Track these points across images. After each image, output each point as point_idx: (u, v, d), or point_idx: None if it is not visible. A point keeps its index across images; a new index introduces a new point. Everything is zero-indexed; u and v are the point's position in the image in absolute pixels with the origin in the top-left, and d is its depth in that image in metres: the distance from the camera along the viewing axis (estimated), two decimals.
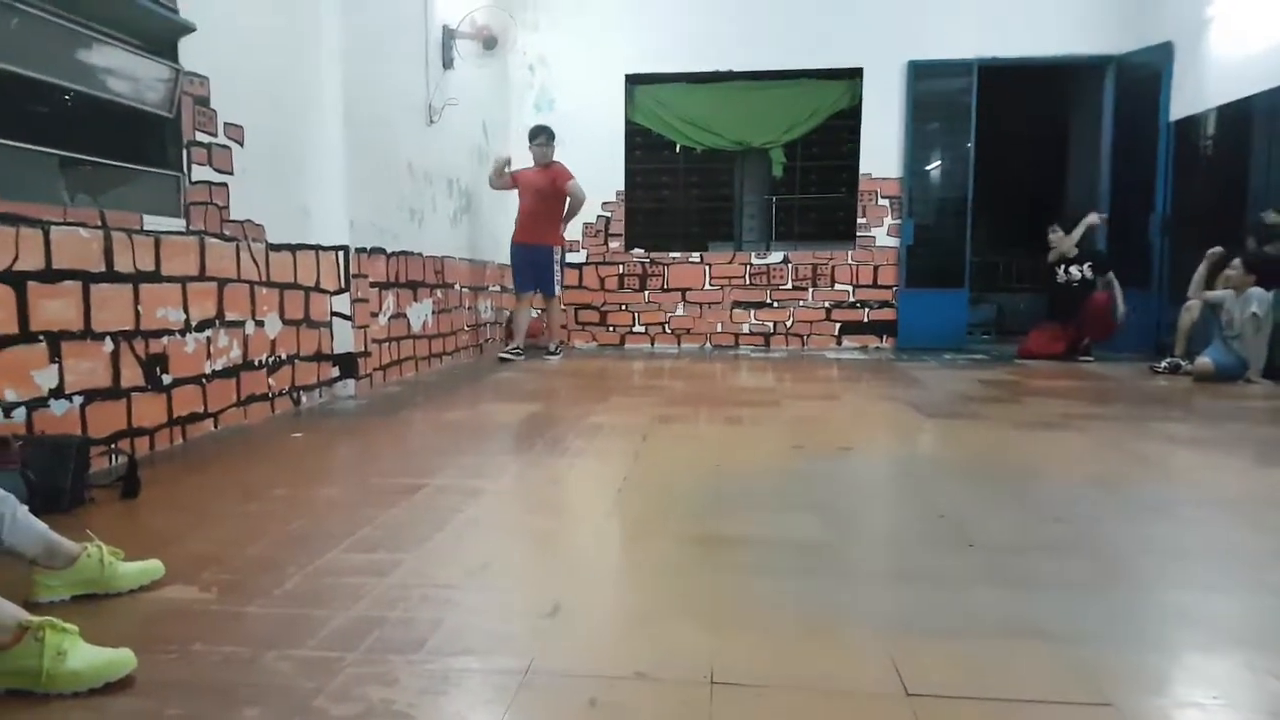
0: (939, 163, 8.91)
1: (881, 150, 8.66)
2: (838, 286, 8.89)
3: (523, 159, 7.74)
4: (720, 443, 4.04)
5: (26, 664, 1.56)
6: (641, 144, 9.17)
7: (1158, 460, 3.72)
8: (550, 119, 8.82)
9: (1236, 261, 6.37)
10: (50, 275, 3.10)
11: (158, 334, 3.68)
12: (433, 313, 6.71)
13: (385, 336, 5.80)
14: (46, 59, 3.20)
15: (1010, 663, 1.71)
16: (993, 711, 1.53)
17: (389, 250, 5.82)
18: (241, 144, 4.33)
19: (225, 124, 4.20)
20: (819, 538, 2.53)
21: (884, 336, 8.86)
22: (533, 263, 7.57)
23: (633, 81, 8.98)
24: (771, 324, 9.00)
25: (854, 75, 8.68)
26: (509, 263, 7.85)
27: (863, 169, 8.74)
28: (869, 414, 4.96)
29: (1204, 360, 6.25)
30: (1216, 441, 4.14)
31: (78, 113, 3.47)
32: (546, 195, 7.56)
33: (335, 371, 5.21)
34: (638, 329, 9.16)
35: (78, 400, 3.23)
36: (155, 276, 3.66)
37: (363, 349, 5.38)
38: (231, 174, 4.25)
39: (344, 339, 5.22)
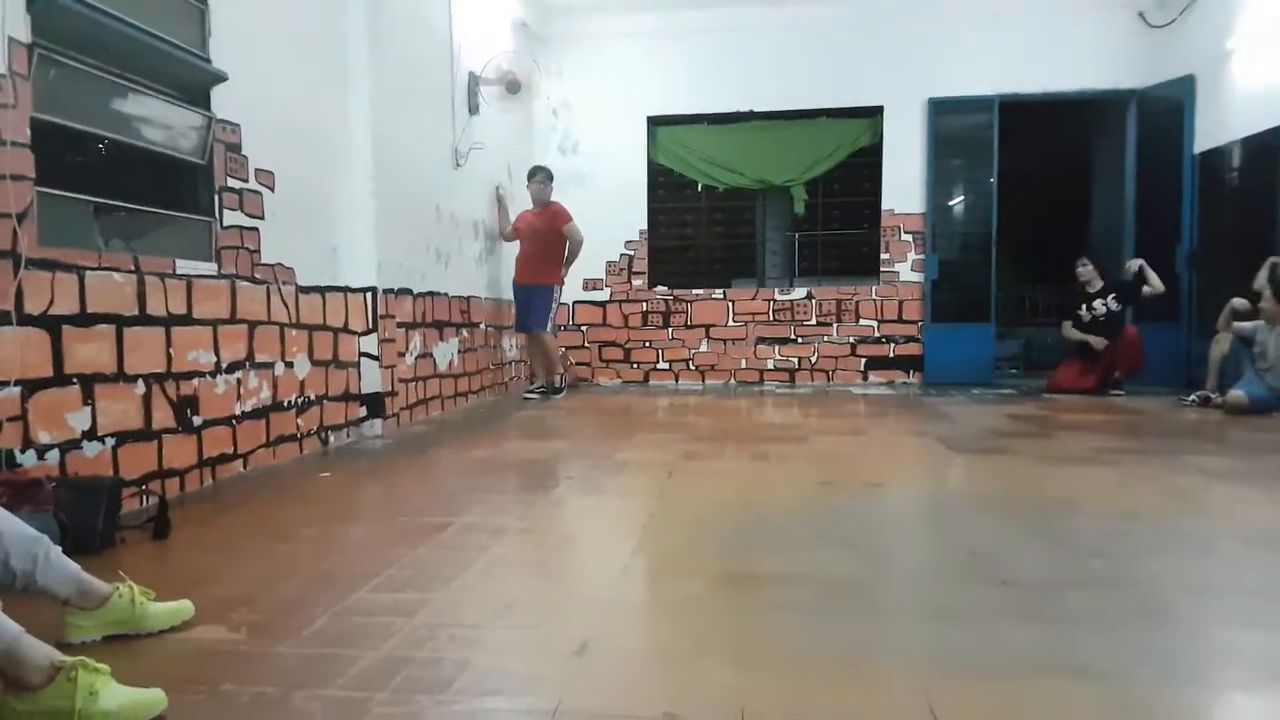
0: (962, 198, 8.90)
1: (904, 186, 8.67)
2: (862, 322, 8.86)
3: (523, 201, 7.82)
4: (747, 479, 4.02)
5: (59, 704, 1.57)
6: (664, 183, 9.23)
7: (1193, 495, 3.66)
8: (574, 161, 8.97)
9: (1268, 293, 6.30)
10: (84, 319, 3.16)
11: (189, 376, 3.73)
12: (458, 352, 6.75)
13: (412, 376, 5.83)
14: (83, 109, 3.28)
15: (1048, 702, 1.68)
16: None
17: (416, 291, 5.87)
18: (272, 189, 4.40)
19: (256, 170, 4.27)
20: (849, 575, 2.51)
21: (910, 371, 8.81)
22: (531, 303, 7.60)
23: (655, 123, 9.06)
24: (796, 360, 8.98)
25: (874, 113, 8.71)
26: None
27: (885, 205, 8.75)
28: (897, 449, 4.93)
29: (1237, 393, 6.17)
30: (1253, 475, 4.08)
31: (113, 160, 3.55)
32: (545, 236, 7.56)
33: (363, 411, 5.24)
34: (662, 366, 9.17)
35: (110, 442, 3.27)
36: (187, 319, 3.72)
37: (390, 389, 5.42)
38: (262, 218, 4.32)
39: (371, 379, 5.26)
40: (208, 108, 3.92)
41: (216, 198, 3.99)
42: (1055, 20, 8.30)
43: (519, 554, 2.83)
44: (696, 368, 9.12)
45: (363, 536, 3.10)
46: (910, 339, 8.80)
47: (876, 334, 8.86)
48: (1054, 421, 5.89)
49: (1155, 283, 7.52)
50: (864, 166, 8.86)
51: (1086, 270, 7.84)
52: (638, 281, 9.18)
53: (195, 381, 3.77)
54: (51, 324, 3.01)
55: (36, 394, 2.94)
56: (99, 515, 2.77)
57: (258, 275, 4.26)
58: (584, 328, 9.21)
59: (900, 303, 8.79)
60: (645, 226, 9.16)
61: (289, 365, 4.50)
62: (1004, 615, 2.16)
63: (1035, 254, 10.75)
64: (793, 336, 8.97)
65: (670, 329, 9.14)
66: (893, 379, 8.83)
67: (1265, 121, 6.84)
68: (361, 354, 5.22)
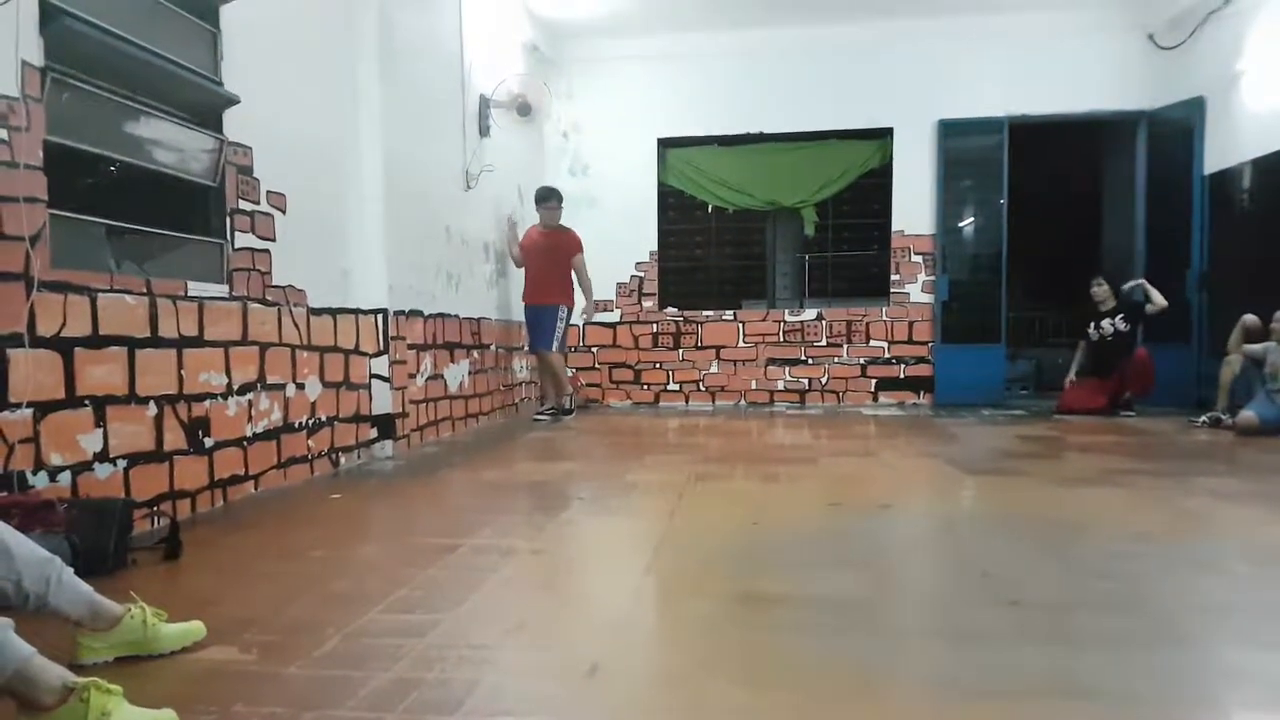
0: (972, 219, 8.90)
1: (913, 207, 8.69)
2: (873, 343, 8.85)
3: (532, 220, 7.84)
4: (757, 500, 4.01)
5: None
6: (674, 205, 9.27)
7: (1204, 516, 3.64)
8: (584, 183, 9.00)
9: (1278, 314, 6.28)
10: (96, 341, 3.18)
11: (200, 398, 3.74)
12: (469, 373, 6.77)
13: (423, 397, 5.85)
14: (96, 132, 3.31)
15: None
16: None
17: (426, 312, 5.90)
18: (284, 211, 4.43)
19: (268, 192, 4.31)
20: (859, 596, 2.50)
21: (921, 392, 8.79)
22: (539, 323, 7.59)
23: (665, 145, 9.11)
24: (806, 381, 8.97)
25: (884, 134, 8.74)
26: None
27: (895, 226, 8.76)
28: (908, 470, 4.91)
29: (1248, 414, 6.14)
30: (1263, 496, 4.05)
31: (125, 183, 3.59)
32: (552, 255, 7.57)
33: (373, 433, 5.25)
34: (672, 387, 9.17)
35: (121, 463, 3.28)
36: (198, 341, 3.74)
37: (401, 410, 5.43)
38: (274, 241, 4.35)
39: (382, 400, 5.28)
40: (220, 130, 3.96)
41: (228, 220, 4.02)
42: (1064, 42, 8.33)
43: (529, 575, 2.83)
44: (707, 389, 9.11)
45: (373, 558, 3.10)
46: (920, 360, 8.79)
47: (887, 355, 8.85)
48: (1064, 443, 5.87)
49: (1158, 299, 7.52)
50: (874, 188, 8.88)
51: (1101, 290, 7.83)
52: (648, 303, 9.20)
53: (207, 403, 3.79)
54: (64, 346, 3.03)
55: (48, 416, 2.96)
56: (111, 537, 2.77)
57: (269, 297, 4.29)
58: (594, 349, 9.22)
59: (910, 324, 8.78)
60: (655, 248, 9.19)
61: (300, 387, 4.52)
62: (1014, 636, 2.15)
63: (1045, 275, 10.73)
64: (803, 358, 8.96)
65: (680, 350, 9.14)
66: (903, 400, 8.81)
67: (1275, 143, 6.84)
68: (372, 376, 5.23)
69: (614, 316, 9.22)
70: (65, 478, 3.01)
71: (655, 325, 9.18)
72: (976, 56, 8.46)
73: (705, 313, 9.12)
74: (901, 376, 8.83)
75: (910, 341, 8.80)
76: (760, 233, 9.36)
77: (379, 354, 5.25)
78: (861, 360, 8.88)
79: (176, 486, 3.58)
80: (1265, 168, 7.02)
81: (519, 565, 2.90)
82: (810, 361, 8.95)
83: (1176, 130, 8.06)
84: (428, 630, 2.22)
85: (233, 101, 3.98)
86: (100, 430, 3.18)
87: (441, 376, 6.21)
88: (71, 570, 1.99)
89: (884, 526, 3.48)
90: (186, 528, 3.24)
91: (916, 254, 8.73)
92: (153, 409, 3.46)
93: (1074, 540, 3.16)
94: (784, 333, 8.98)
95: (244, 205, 4.13)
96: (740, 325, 9.05)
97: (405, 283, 5.51)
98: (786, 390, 9.00)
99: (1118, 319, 7.69)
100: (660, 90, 9.00)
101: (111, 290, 3.26)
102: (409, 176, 5.57)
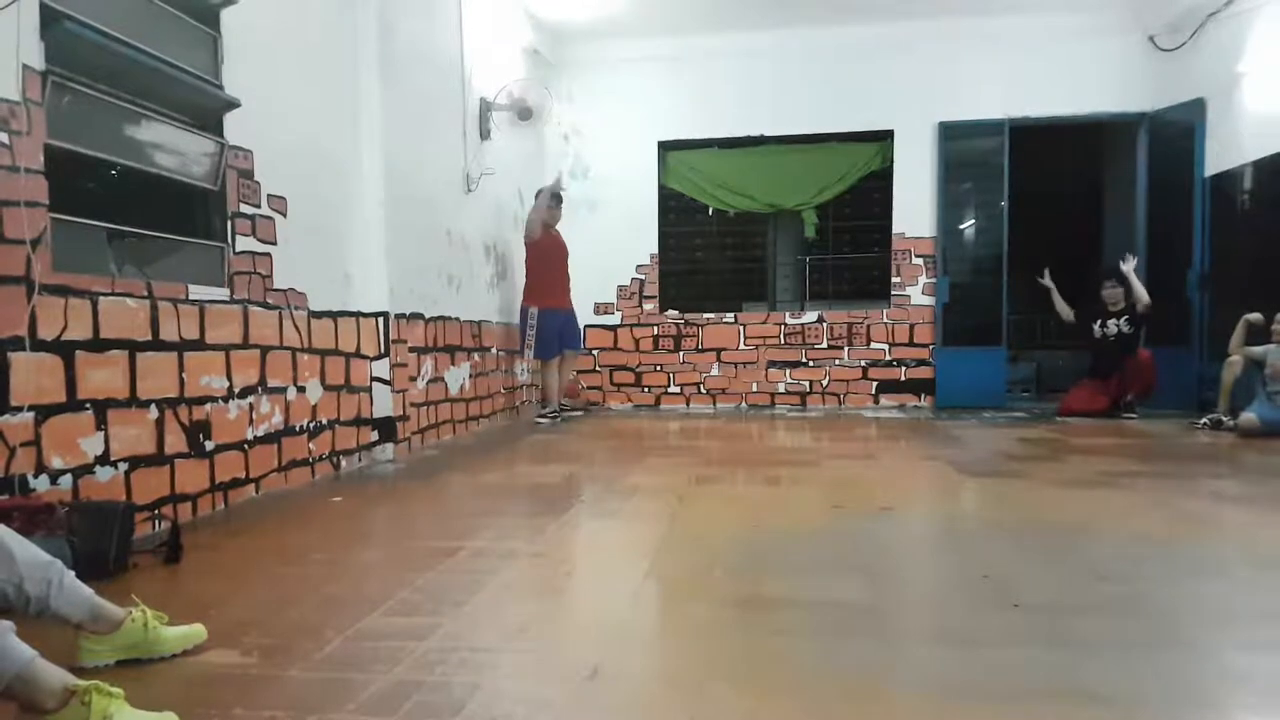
0: (973, 221, 8.90)
1: (914, 210, 8.69)
2: (874, 345, 8.85)
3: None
4: (758, 503, 4.01)
5: None
6: (675, 208, 9.27)
7: (1206, 518, 3.64)
8: (585, 186, 9.02)
9: None
10: (98, 344, 3.18)
11: (201, 401, 3.75)
12: (470, 376, 6.77)
13: (423, 400, 5.85)
14: (97, 136, 3.32)
15: None
16: None
17: (427, 315, 5.90)
18: (284, 214, 4.44)
19: (269, 195, 4.31)
20: (861, 599, 2.50)
21: (922, 395, 8.78)
22: (562, 326, 7.66)
23: (665, 148, 9.11)
24: (807, 383, 8.97)
25: (885, 137, 8.74)
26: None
27: (896, 228, 8.76)
28: (909, 473, 4.91)
29: (1249, 415, 6.14)
30: (1265, 498, 4.05)
31: (126, 186, 3.59)
32: (560, 255, 7.75)
33: (374, 436, 5.26)
34: (673, 389, 9.17)
35: (122, 467, 3.28)
36: (200, 345, 3.74)
37: (401, 413, 5.43)
38: (275, 244, 4.35)
39: (383, 403, 5.28)
40: (220, 134, 3.96)
41: (229, 223, 4.02)
42: (1065, 44, 8.33)
43: (530, 578, 2.83)
44: (708, 391, 9.11)
45: (374, 561, 3.11)
46: (921, 362, 8.78)
47: (888, 357, 8.84)
48: (1066, 445, 5.87)
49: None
50: (875, 190, 8.88)
51: (1114, 292, 7.79)
52: (649, 305, 9.20)
53: (208, 406, 3.79)
54: (65, 349, 3.04)
55: (50, 419, 2.96)
56: (112, 540, 2.77)
57: (270, 300, 4.29)
58: (595, 351, 9.22)
59: (911, 326, 8.78)
60: (656, 250, 9.19)
61: (301, 390, 4.52)
62: (1016, 639, 2.14)
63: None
64: (804, 360, 8.96)
65: (681, 353, 9.15)
66: (904, 402, 8.81)
67: (1276, 144, 6.83)
68: (373, 379, 5.24)
69: (615, 319, 9.22)
70: (66, 481, 3.02)
71: (656, 328, 9.18)
72: (977, 59, 8.46)
73: (706, 315, 9.12)
74: (902, 379, 8.83)
75: (911, 344, 8.80)
76: (761, 235, 9.36)
77: (380, 357, 5.26)
78: (862, 363, 8.88)
79: (178, 490, 3.59)
80: (1266, 169, 7.02)
81: (520, 568, 2.90)
82: (811, 364, 8.95)
83: (1177, 132, 8.06)
84: (429, 633, 2.22)
85: (233, 105, 3.99)
86: (101, 433, 3.18)
87: (442, 379, 6.21)
88: (73, 573, 1.99)
89: (885, 529, 3.47)
90: (187, 531, 3.24)
91: (917, 256, 8.73)
92: (154, 412, 3.46)
93: (1075, 543, 3.16)
94: (785, 335, 8.97)
95: (245, 209, 4.13)
96: (741, 328, 9.05)
97: (406, 286, 5.52)
98: (787, 393, 8.99)
99: (1123, 321, 7.68)
100: (661, 93, 9.01)
101: (113, 294, 3.26)
102: (410, 179, 5.57)
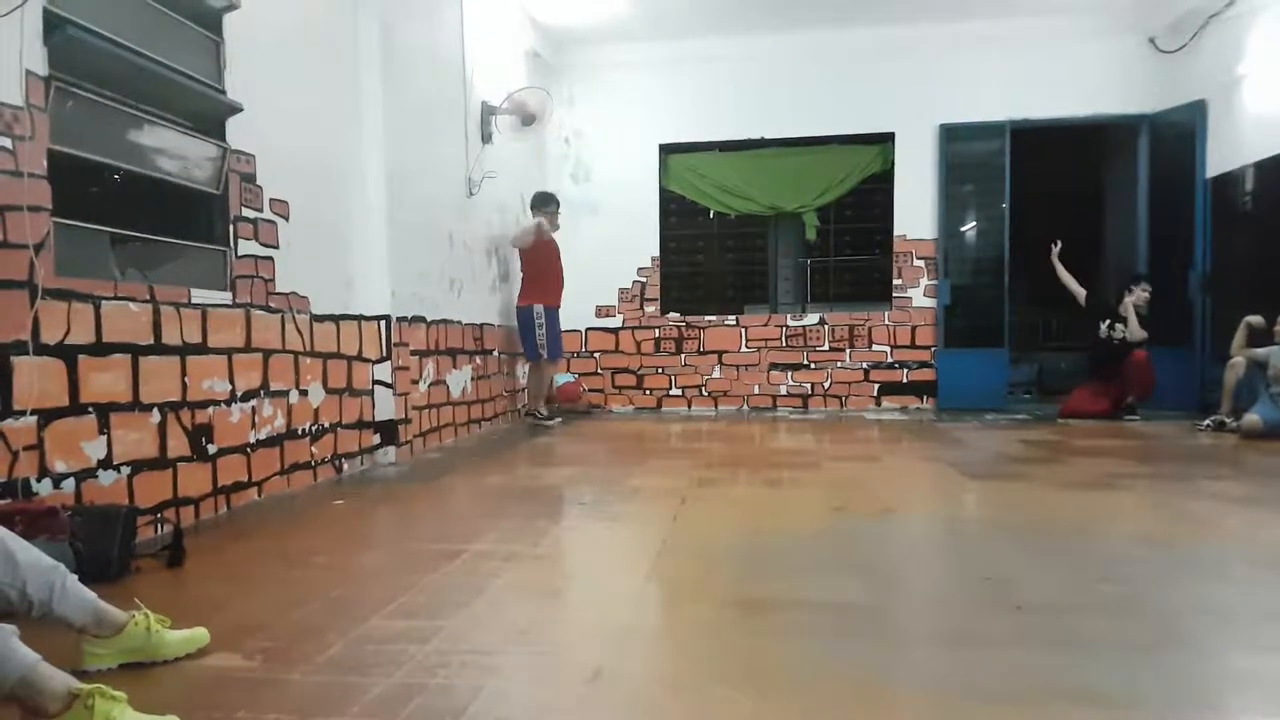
0: (974, 223, 8.89)
1: (915, 212, 8.69)
2: (875, 347, 8.85)
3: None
4: (760, 505, 4.01)
5: None
6: (676, 210, 9.27)
7: (1208, 519, 3.64)
8: (586, 189, 9.03)
9: None
10: (100, 348, 3.19)
11: (204, 405, 3.75)
12: (471, 379, 6.77)
13: (425, 403, 5.85)
14: (100, 140, 3.32)
15: None
16: None
17: (429, 318, 5.91)
18: (287, 218, 4.44)
19: (271, 199, 4.32)
20: (862, 601, 2.50)
21: (924, 397, 8.78)
22: (556, 327, 7.69)
23: (666, 151, 9.11)
24: (809, 385, 8.97)
25: (886, 139, 8.74)
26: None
27: (897, 230, 8.76)
28: (910, 475, 4.91)
29: (1252, 417, 6.13)
30: (1268, 499, 4.05)
31: (129, 191, 3.60)
32: (558, 256, 7.75)
33: (376, 439, 5.26)
34: (674, 392, 9.17)
35: (125, 470, 3.29)
36: (202, 348, 3.75)
37: (403, 416, 5.43)
38: (277, 248, 4.36)
39: (385, 406, 5.28)
40: (223, 138, 3.97)
41: (231, 227, 4.03)
42: (1066, 46, 8.33)
43: (532, 580, 2.83)
44: (709, 394, 9.11)
45: (376, 563, 3.11)
46: (923, 364, 8.78)
47: (889, 360, 8.84)
48: (1067, 447, 5.86)
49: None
50: (876, 192, 8.88)
51: (1142, 296, 7.67)
52: (650, 308, 9.20)
53: (210, 410, 3.80)
54: (68, 353, 3.04)
55: (53, 423, 2.97)
56: (115, 543, 2.78)
57: (272, 304, 4.30)
58: (597, 354, 9.22)
59: (913, 328, 8.78)
60: (657, 253, 9.20)
61: (303, 393, 4.53)
62: (1018, 640, 2.15)
63: (1048, 279, 10.72)
64: (805, 362, 8.96)
65: (683, 355, 9.14)
66: (906, 404, 8.81)
67: (1277, 145, 6.83)
68: (375, 382, 5.24)
69: (616, 322, 9.23)
70: (69, 485, 3.02)
71: (657, 330, 9.18)
72: (978, 61, 8.46)
73: (707, 318, 9.12)
74: (904, 381, 8.82)
75: (913, 346, 8.80)
76: (762, 238, 9.37)
77: (382, 360, 5.26)
78: (864, 365, 8.88)
79: (180, 493, 3.59)
80: (1268, 170, 7.02)
81: (521, 570, 2.90)
82: (813, 366, 8.95)
83: (1178, 133, 8.05)
84: (431, 636, 2.22)
85: (236, 109, 3.99)
86: (104, 437, 3.19)
87: (444, 382, 6.21)
88: (75, 577, 2.00)
89: (887, 531, 3.48)
90: (190, 534, 3.25)
91: (918, 258, 8.73)
92: (156, 416, 3.46)
93: (1077, 544, 3.16)
94: (786, 337, 8.97)
95: (247, 213, 4.14)
96: (743, 330, 9.06)
97: (408, 289, 5.53)
98: (789, 395, 8.99)
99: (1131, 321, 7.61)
100: (662, 96, 9.02)
101: (115, 298, 3.27)
102: (411, 183, 5.58)
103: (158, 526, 3.38)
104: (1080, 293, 7.97)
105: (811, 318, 8.96)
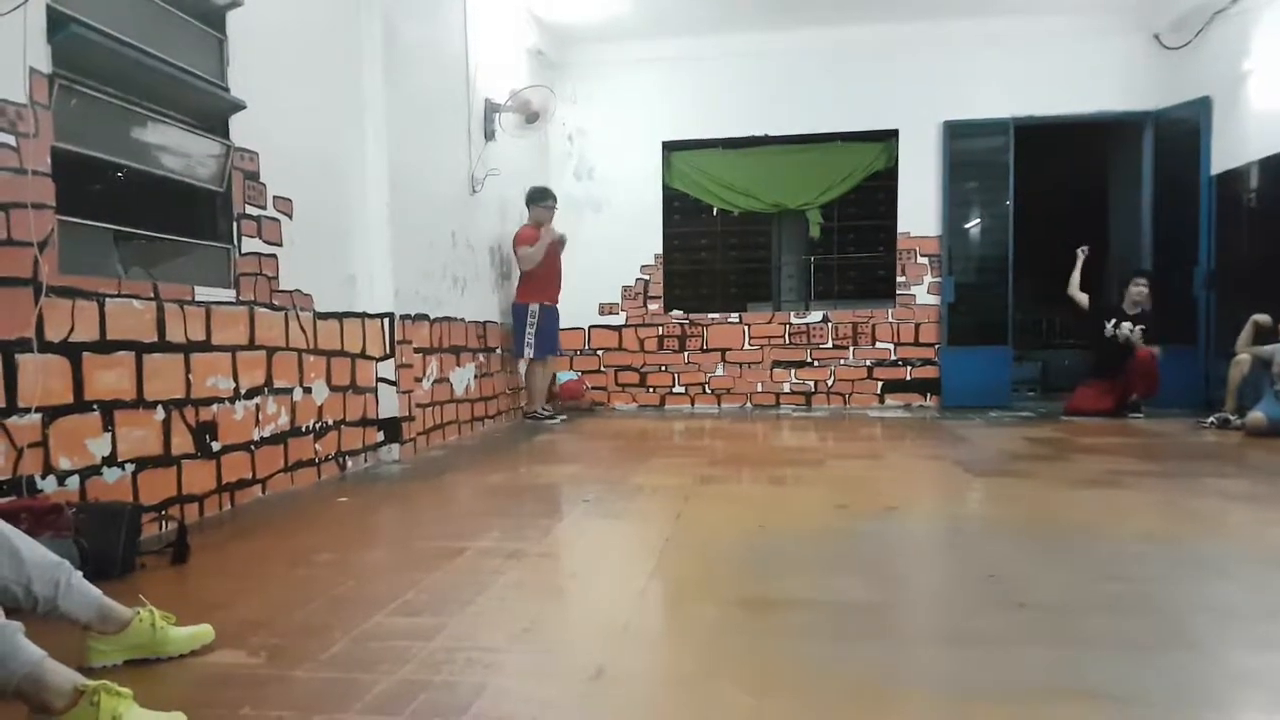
0: (978, 220, 8.88)
1: (919, 209, 8.68)
2: (879, 345, 8.84)
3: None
4: (763, 503, 4.01)
5: None
6: (679, 208, 9.27)
7: (1212, 517, 3.63)
8: (589, 186, 9.03)
9: None
10: (104, 346, 3.19)
11: (208, 402, 3.76)
12: (475, 377, 6.78)
13: (429, 401, 5.86)
14: (104, 138, 3.33)
15: None
16: None
17: (432, 316, 5.91)
18: (290, 216, 4.45)
19: (274, 197, 4.32)
20: (866, 599, 2.50)
21: (928, 394, 8.77)
22: (555, 325, 7.69)
23: (670, 148, 9.11)
24: (812, 383, 8.96)
25: (889, 137, 8.73)
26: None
27: (901, 228, 8.75)
28: (914, 473, 4.91)
29: (1256, 414, 6.12)
30: (1272, 497, 4.04)
31: (133, 188, 3.60)
32: (558, 253, 7.71)
33: (380, 436, 5.27)
34: (678, 390, 9.16)
35: (129, 468, 3.29)
36: (206, 346, 3.75)
37: (407, 414, 5.44)
38: (280, 245, 4.36)
39: (389, 404, 5.29)
40: (226, 136, 3.97)
41: (235, 225, 4.03)
42: (1070, 43, 8.31)
43: (535, 578, 2.84)
44: (712, 391, 9.11)
45: (380, 561, 3.11)
46: (927, 362, 8.77)
47: (893, 357, 8.83)
48: (1072, 444, 5.86)
49: (1077, 294, 7.70)
50: (879, 190, 8.87)
51: (1140, 290, 7.68)
52: (653, 306, 9.20)
53: (214, 407, 3.80)
54: (72, 351, 3.05)
55: (57, 420, 2.98)
56: (119, 541, 2.79)
57: (276, 301, 4.30)
58: (600, 352, 9.23)
59: (917, 326, 8.77)
60: (660, 251, 9.19)
61: (307, 391, 4.53)
62: (1022, 639, 2.14)
63: (1052, 276, 10.72)
64: (809, 360, 8.95)
65: (686, 353, 9.14)
66: (909, 402, 8.80)
67: None
68: (379, 379, 5.25)
69: (619, 319, 9.22)
70: (74, 482, 3.03)
71: (660, 328, 9.18)
72: (981, 58, 8.45)
73: (711, 315, 9.12)
74: (908, 379, 8.82)
75: (916, 343, 8.79)
76: (765, 235, 9.36)
77: (385, 358, 5.27)
78: (868, 362, 8.87)
79: (184, 490, 3.60)
80: (1272, 167, 7.01)
81: (525, 568, 2.90)
82: (816, 364, 8.94)
83: (1183, 130, 8.04)
84: (434, 633, 2.22)
85: (239, 107, 3.99)
86: (108, 435, 3.19)
87: (448, 380, 6.22)
88: (80, 574, 2.00)
89: (891, 529, 3.47)
90: (194, 531, 3.25)
91: (922, 256, 8.72)
92: (160, 413, 3.47)
93: (1081, 542, 3.15)
94: (790, 335, 8.97)
95: (251, 210, 4.14)
96: (746, 328, 9.05)
97: (411, 287, 5.53)
98: (792, 392, 8.99)
99: (1138, 329, 7.58)
100: (665, 94, 9.01)
101: (119, 295, 3.27)
102: (414, 181, 5.58)
103: (162, 524, 3.39)
104: (1083, 299, 7.94)
105: (815, 315, 8.95)
